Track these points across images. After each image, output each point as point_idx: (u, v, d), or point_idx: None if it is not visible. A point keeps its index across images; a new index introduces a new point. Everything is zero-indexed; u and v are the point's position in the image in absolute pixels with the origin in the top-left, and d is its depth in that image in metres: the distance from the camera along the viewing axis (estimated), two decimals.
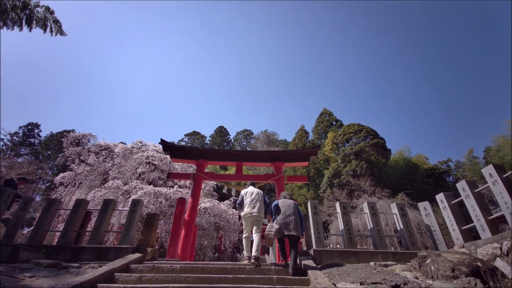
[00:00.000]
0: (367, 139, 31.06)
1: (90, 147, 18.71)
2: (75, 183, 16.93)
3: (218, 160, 9.22)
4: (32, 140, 37.42)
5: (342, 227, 4.81)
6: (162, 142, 9.04)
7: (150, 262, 4.36)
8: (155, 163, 16.78)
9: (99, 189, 13.54)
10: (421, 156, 37.39)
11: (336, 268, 3.82)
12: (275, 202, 4.64)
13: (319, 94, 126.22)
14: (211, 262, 4.25)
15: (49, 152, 36.76)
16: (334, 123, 41.15)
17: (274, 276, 3.64)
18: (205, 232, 14.76)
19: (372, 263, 3.94)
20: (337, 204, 5.14)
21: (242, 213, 4.80)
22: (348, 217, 4.89)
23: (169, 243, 5.84)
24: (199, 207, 14.58)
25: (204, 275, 3.60)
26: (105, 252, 4.42)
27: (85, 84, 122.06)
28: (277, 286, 3.34)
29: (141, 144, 18.55)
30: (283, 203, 4.48)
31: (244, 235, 4.69)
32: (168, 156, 17.33)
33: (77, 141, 19.54)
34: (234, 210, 16.07)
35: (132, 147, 17.85)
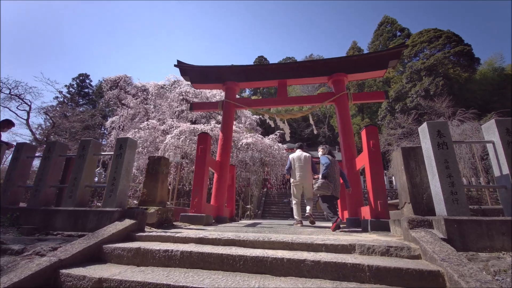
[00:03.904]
0: (447, 47, 23.94)
1: (128, 89, 18.12)
2: (120, 127, 17.00)
3: (252, 80, 6.78)
4: (87, 90, 39.81)
5: (506, 171, 2.29)
6: (179, 63, 6.85)
7: (145, 235, 2.71)
8: (190, 99, 15.29)
9: (136, 130, 12.87)
10: None
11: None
12: (324, 161, 4.22)
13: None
14: (240, 240, 2.36)
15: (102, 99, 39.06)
16: (399, 33, 32.76)
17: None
18: (251, 168, 13.69)
19: None
20: (491, 125, 2.48)
21: (291, 180, 4.82)
22: None
23: (192, 194, 4.26)
24: (240, 143, 13.17)
25: (219, 277, 1.75)
26: (83, 218, 2.90)
27: (119, 27, 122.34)
28: None
29: (173, 80, 16.92)
30: (332, 166, 4.20)
31: (293, 202, 4.71)
32: (204, 90, 15.73)
33: (116, 84, 19.06)
34: (280, 144, 14.42)
35: (164, 84, 16.44)
